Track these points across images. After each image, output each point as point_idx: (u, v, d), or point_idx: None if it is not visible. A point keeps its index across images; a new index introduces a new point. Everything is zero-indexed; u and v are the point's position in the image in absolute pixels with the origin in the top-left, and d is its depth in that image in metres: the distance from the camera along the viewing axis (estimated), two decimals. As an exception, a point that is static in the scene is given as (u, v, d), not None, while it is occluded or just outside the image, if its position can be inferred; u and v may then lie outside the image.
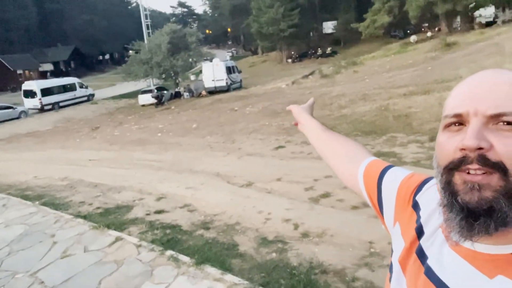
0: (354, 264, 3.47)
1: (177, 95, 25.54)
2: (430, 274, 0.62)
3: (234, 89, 26.04)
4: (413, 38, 30.44)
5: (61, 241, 4.59)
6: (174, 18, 77.72)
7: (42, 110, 25.76)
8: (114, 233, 4.65)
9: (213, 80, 25.38)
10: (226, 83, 25.49)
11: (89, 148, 12.00)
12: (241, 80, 28.44)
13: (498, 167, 0.53)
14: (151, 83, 27.99)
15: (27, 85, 26.72)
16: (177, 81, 27.68)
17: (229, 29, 72.98)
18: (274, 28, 40.72)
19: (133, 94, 27.67)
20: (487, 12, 29.91)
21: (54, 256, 4.20)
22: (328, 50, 42.44)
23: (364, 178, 0.88)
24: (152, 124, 15.44)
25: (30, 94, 25.98)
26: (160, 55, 25.16)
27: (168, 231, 4.69)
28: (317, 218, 4.61)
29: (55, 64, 55.18)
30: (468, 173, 0.55)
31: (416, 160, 6.25)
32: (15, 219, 5.57)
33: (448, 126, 0.60)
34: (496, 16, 29.04)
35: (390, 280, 0.72)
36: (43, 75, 47.63)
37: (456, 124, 0.59)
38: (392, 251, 0.76)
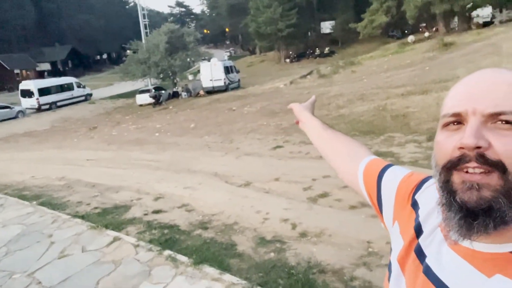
0: (352, 263, 3.47)
1: (175, 95, 25.51)
2: (428, 273, 0.63)
3: (232, 89, 26.03)
4: (410, 38, 30.51)
5: (58, 241, 4.58)
6: (172, 17, 77.63)
7: (39, 110, 25.69)
8: (112, 233, 4.64)
9: (211, 80, 25.37)
10: (224, 83, 25.48)
11: (87, 148, 11.97)
12: (239, 80, 28.43)
13: (497, 166, 0.53)
14: (149, 82, 27.95)
15: (24, 85, 26.65)
16: (175, 81, 27.65)
17: (227, 29, 72.95)
18: (272, 28, 40.72)
19: (131, 94, 27.62)
20: (484, 13, 30.00)
21: (51, 256, 4.19)
22: (326, 50, 42.46)
23: (364, 177, 0.89)
24: (150, 124, 15.42)
25: (27, 93, 25.91)
26: (158, 55, 25.13)
27: (166, 231, 4.68)
28: (315, 218, 4.62)
29: (53, 63, 55.03)
30: (467, 172, 0.55)
31: (414, 160, 6.26)
32: (12, 219, 5.55)
33: (446, 125, 0.60)
34: (493, 17, 29.16)
35: (389, 280, 0.72)
36: (40, 75, 47.53)
37: (455, 123, 0.59)
38: (391, 250, 0.76)
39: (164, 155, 9.58)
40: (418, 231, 0.69)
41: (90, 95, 30.84)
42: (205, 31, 73.32)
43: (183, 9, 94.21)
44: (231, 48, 72.14)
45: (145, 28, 29.94)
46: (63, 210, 5.82)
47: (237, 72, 28.75)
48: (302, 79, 23.81)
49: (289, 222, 4.55)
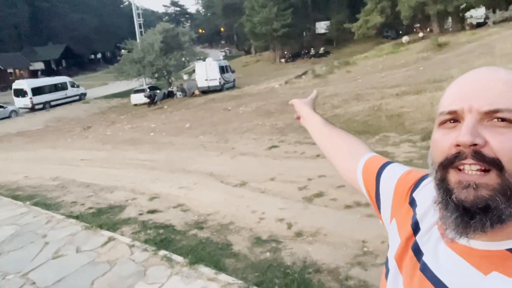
0: (347, 263, 3.48)
1: (170, 94, 25.44)
2: (425, 270, 0.63)
3: (227, 88, 26.00)
4: (405, 38, 30.65)
5: (53, 242, 4.55)
6: (166, 17, 77.42)
7: (33, 109, 25.50)
8: (107, 233, 4.62)
9: (206, 80, 25.32)
10: (219, 82, 25.44)
11: (81, 147, 11.90)
12: (234, 80, 28.40)
13: (494, 164, 0.53)
14: (144, 82, 27.85)
15: (17, 84, 26.45)
16: (170, 80, 27.58)
17: (222, 29, 72.83)
18: (267, 28, 40.73)
19: (126, 94, 27.50)
20: (478, 13, 30.26)
21: (45, 257, 4.16)
22: (321, 50, 42.56)
23: (363, 174, 0.89)
24: (145, 124, 15.36)
25: (20, 93, 25.71)
26: (152, 54, 25.05)
27: (161, 231, 4.66)
28: (310, 218, 4.63)
29: (46, 63, 54.60)
30: (463, 170, 0.55)
31: (409, 160, 6.29)
32: (6, 220, 5.50)
33: (443, 123, 0.60)
34: (487, 17, 29.41)
35: (386, 277, 0.72)
36: (34, 74, 47.15)
37: (451, 121, 0.59)
38: (388, 246, 0.76)
39: (159, 155, 9.55)
40: (416, 228, 0.69)
41: (84, 94, 30.66)
42: (200, 30, 73.17)
43: (178, 9, 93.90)
44: (226, 48, 72.04)
45: (140, 27, 29.83)
46: (57, 210, 5.78)
47: (232, 72, 28.72)
48: (297, 79, 23.85)
49: (285, 222, 4.56)
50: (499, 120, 0.55)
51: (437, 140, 0.60)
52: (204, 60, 27.86)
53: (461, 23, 29.47)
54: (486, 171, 0.54)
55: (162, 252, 3.93)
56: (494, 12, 27.83)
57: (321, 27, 47.50)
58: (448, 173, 0.57)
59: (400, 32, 39.01)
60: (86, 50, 64.49)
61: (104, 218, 5.26)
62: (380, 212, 0.83)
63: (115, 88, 32.50)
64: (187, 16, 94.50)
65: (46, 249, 4.38)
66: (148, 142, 11.36)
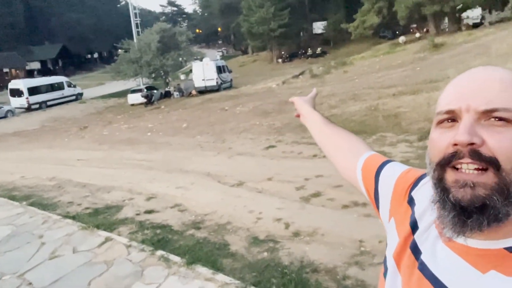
0: (344, 262, 3.49)
1: (167, 94, 25.39)
2: (423, 269, 0.63)
3: (225, 88, 25.98)
4: (401, 38, 30.75)
5: (49, 242, 4.53)
6: (163, 17, 77.17)
7: (29, 109, 25.39)
8: (104, 234, 4.60)
9: (203, 80, 25.30)
10: (217, 82, 25.42)
11: (78, 147, 11.85)
12: (231, 80, 28.39)
13: (491, 163, 0.53)
14: (141, 82, 27.77)
15: (13, 84, 26.32)
16: (167, 80, 27.51)
17: (219, 29, 72.77)
18: (265, 28, 40.76)
19: (123, 94, 27.43)
20: (474, 14, 30.38)
21: (42, 257, 4.14)
22: (318, 50, 42.63)
23: (363, 172, 0.89)
24: (142, 124, 15.33)
25: (16, 93, 25.59)
26: (149, 54, 24.98)
27: (158, 231, 4.66)
28: (308, 217, 4.63)
29: (43, 62, 54.35)
30: (461, 169, 0.55)
31: (405, 159, 6.31)
32: (2, 220, 5.47)
33: (441, 122, 0.61)
34: (483, 18, 29.52)
35: (384, 276, 0.73)
36: (30, 74, 46.92)
37: (449, 121, 0.59)
38: (387, 245, 0.76)
39: (156, 154, 9.53)
40: (414, 227, 0.69)
41: (81, 94, 30.56)
42: (197, 30, 73.02)
43: (175, 9, 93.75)
44: (223, 48, 71.99)
45: (137, 27, 29.73)
46: (53, 211, 5.76)
47: (230, 72, 28.71)
48: (294, 79, 23.87)
49: (282, 222, 4.56)
50: (497, 119, 0.55)
51: (435, 139, 0.60)
52: (201, 60, 27.81)
53: (457, 23, 29.61)
54: (483, 170, 0.54)
55: (159, 252, 3.93)
56: (490, 12, 27.95)
57: (318, 27, 47.58)
58: (446, 172, 0.58)
59: (397, 32, 39.11)
60: (82, 49, 64.23)
61: (101, 218, 5.25)
62: (379, 211, 0.83)
63: (112, 88, 32.40)
64: (184, 16, 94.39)
65: (43, 249, 4.36)
66: (145, 142, 11.34)
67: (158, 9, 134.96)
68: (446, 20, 30.91)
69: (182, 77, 35.38)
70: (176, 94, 25.14)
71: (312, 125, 1.13)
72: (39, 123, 19.98)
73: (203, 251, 3.95)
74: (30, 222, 5.28)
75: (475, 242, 0.58)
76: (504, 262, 0.56)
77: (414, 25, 37.94)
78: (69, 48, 58.17)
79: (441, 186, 0.58)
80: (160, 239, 4.39)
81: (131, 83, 26.52)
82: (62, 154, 10.92)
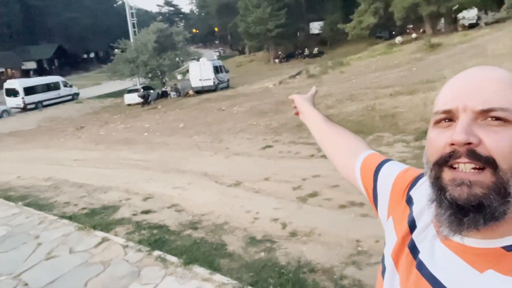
0: (342, 262, 3.49)
1: (164, 94, 25.34)
2: (421, 268, 0.63)
3: (222, 88, 25.96)
4: (398, 39, 30.85)
5: (45, 243, 4.51)
6: (160, 17, 77.07)
7: (25, 109, 25.25)
8: (100, 234, 4.59)
9: (200, 80, 25.27)
10: (214, 82, 25.40)
11: (74, 147, 11.81)
12: (228, 80, 28.37)
13: (489, 162, 0.54)
14: (137, 82, 27.71)
15: (9, 84, 26.16)
16: (163, 80, 27.47)
17: (216, 29, 72.67)
18: (261, 28, 40.76)
19: (119, 93, 27.34)
20: (470, 14, 30.53)
21: (38, 258, 4.12)
22: (315, 50, 42.69)
23: (361, 171, 0.89)
24: (139, 124, 15.29)
25: (12, 92, 25.44)
26: (146, 54, 24.93)
27: (155, 231, 4.65)
28: (305, 217, 4.63)
29: (39, 62, 54.04)
30: (458, 169, 0.56)
31: (402, 159, 6.33)
32: (-2, 221, 5.45)
33: (438, 122, 0.61)
34: (479, 18, 29.69)
35: (382, 274, 0.73)
36: (26, 74, 46.68)
37: (446, 120, 0.60)
38: (385, 244, 0.77)
39: (153, 155, 9.51)
40: (412, 226, 0.69)
41: (77, 94, 30.43)
42: (194, 30, 72.89)
43: (171, 8, 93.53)
44: (220, 48, 71.92)
45: (134, 27, 29.65)
46: (50, 211, 5.73)
47: (227, 72, 28.70)
48: (291, 79, 23.88)
49: (279, 222, 4.56)
50: (493, 119, 0.55)
51: (432, 139, 0.61)
52: (198, 60, 27.77)
53: (453, 24, 29.76)
54: (480, 169, 0.54)
55: (156, 253, 3.92)
56: (486, 13, 28.11)
57: (315, 27, 47.64)
58: (443, 171, 0.58)
59: (393, 33, 39.23)
60: (79, 49, 63.95)
61: (97, 219, 5.23)
62: (377, 210, 0.83)
63: (109, 88, 32.30)
64: (181, 16, 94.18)
65: (39, 250, 4.34)
66: (142, 142, 11.31)
67: (155, 9, 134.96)
68: (442, 20, 31.05)
69: (179, 77, 35.33)
70: (173, 94, 25.10)
71: (312, 123, 1.13)
72: (35, 123, 19.88)
73: (200, 251, 3.95)
74: (26, 223, 5.25)
75: (472, 241, 0.59)
76: (501, 261, 0.56)
77: (411, 26, 38.06)
78: (65, 47, 57.91)
79: (438, 185, 0.59)
80: (157, 239, 4.38)
81: (127, 83, 26.47)
82: (59, 154, 10.88)
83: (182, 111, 17.40)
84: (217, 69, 26.25)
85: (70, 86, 30.12)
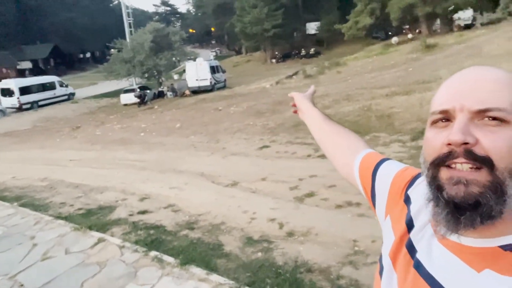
0: (338, 262, 3.50)
1: (160, 94, 25.28)
2: (419, 267, 0.63)
3: (218, 88, 25.94)
4: (394, 39, 30.93)
5: (41, 243, 4.49)
6: (157, 16, 76.94)
7: (20, 109, 25.12)
8: (97, 234, 4.57)
9: (196, 80, 25.24)
10: (210, 82, 25.37)
11: (70, 148, 11.76)
12: (225, 80, 28.36)
13: (485, 162, 0.54)
14: (134, 82, 27.62)
15: (4, 84, 26.00)
16: (160, 80, 27.39)
17: (213, 29, 72.61)
18: (258, 28, 40.79)
19: (115, 93, 27.26)
20: (465, 15, 30.68)
21: (34, 259, 4.10)
22: (312, 50, 42.75)
23: (360, 170, 0.90)
24: (135, 124, 15.24)
25: (7, 92, 25.30)
26: (142, 54, 24.85)
27: (152, 231, 4.63)
28: (302, 217, 4.64)
29: (34, 62, 53.75)
30: (455, 168, 0.56)
31: (399, 159, 6.23)
32: (-7, 221, 5.41)
33: (435, 122, 0.61)
34: (474, 19, 29.85)
35: (380, 274, 0.73)
36: (21, 74, 46.40)
37: (443, 120, 0.60)
38: (382, 242, 0.77)
39: (149, 155, 9.48)
40: (410, 226, 0.69)
41: (73, 94, 30.30)
42: (190, 30, 72.78)
43: (168, 8, 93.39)
44: (217, 48, 71.84)
45: (130, 26, 29.52)
46: (45, 212, 5.70)
47: (223, 72, 28.67)
48: (288, 80, 23.89)
49: (276, 222, 4.56)
50: (490, 119, 0.55)
51: (429, 139, 0.61)
52: (194, 60, 27.73)
53: (449, 24, 29.90)
54: (477, 168, 0.55)
55: (153, 253, 3.91)
56: (481, 14, 28.28)
57: (312, 27, 47.70)
58: (440, 171, 0.58)
59: (390, 33, 39.38)
60: (75, 49, 63.69)
61: (93, 219, 5.21)
62: (375, 208, 0.83)
63: (105, 88, 32.19)
64: (177, 15, 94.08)
65: (35, 250, 4.32)
66: (138, 142, 11.28)
67: (151, 9, 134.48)
68: (438, 21, 31.18)
69: (176, 77, 35.25)
70: (169, 94, 25.04)
71: (312, 122, 1.14)
72: (31, 123, 19.78)
73: (197, 252, 3.94)
74: (22, 223, 5.22)
75: (469, 240, 0.59)
76: (498, 261, 0.56)
77: (407, 26, 38.17)
78: (61, 47, 57.65)
79: (435, 184, 0.59)
80: (154, 239, 4.37)
81: (124, 83, 26.36)
82: (54, 155, 10.83)
83: (178, 111, 17.37)
84: (213, 69, 26.23)
85: (66, 86, 29.99)
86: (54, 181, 7.65)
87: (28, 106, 25.60)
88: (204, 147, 9.59)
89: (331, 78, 20.64)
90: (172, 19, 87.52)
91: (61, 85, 29.25)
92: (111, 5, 79.50)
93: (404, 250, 0.68)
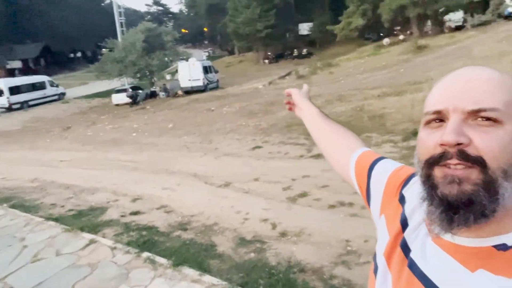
0: (331, 262, 3.51)
1: (153, 94, 25.15)
2: (413, 267, 0.63)
3: (211, 89, 25.89)
4: (386, 41, 31.12)
5: (31, 245, 4.43)
6: (149, 16, 76.57)
7: (10, 109, 24.82)
8: (88, 236, 4.53)
9: (189, 80, 25.15)
10: (203, 82, 25.31)
11: (61, 148, 11.64)
12: (217, 80, 28.30)
13: (478, 162, 0.54)
14: (126, 82, 27.43)
15: (-6, 83, 25.68)
16: (152, 80, 27.25)
17: (205, 29, 72.44)
18: (251, 29, 40.76)
19: (107, 93, 27.06)
20: (456, 17, 30.98)
21: (24, 260, 4.05)
22: (304, 51, 42.85)
23: (356, 168, 0.90)
24: (127, 124, 15.14)
25: (-3, 92, 24.99)
26: (134, 54, 24.69)
27: (144, 232, 4.60)
28: (294, 218, 4.65)
29: (24, 61, 53.14)
30: (449, 167, 0.56)
31: (390, 160, 6.38)
32: (-18, 223, 5.33)
33: (428, 122, 0.61)
34: (465, 21, 30.13)
35: (375, 272, 0.73)
36: (11, 73, 45.86)
37: (437, 121, 0.60)
38: (377, 241, 0.77)
39: (141, 155, 9.43)
40: (404, 225, 0.70)
41: (64, 94, 30.03)
42: (183, 30, 72.46)
43: (160, 8, 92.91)
44: (209, 48, 71.65)
45: (122, 26, 29.33)
46: (36, 213, 5.64)
47: (216, 72, 28.62)
48: (280, 80, 23.93)
49: (269, 222, 4.56)
50: (483, 119, 0.56)
51: (423, 139, 0.61)
52: (187, 60, 27.64)
53: (440, 26, 30.15)
54: (470, 167, 0.55)
55: (145, 254, 3.88)
56: (472, 15, 28.56)
57: (304, 28, 47.81)
58: (433, 170, 0.58)
59: (381, 34, 39.54)
60: (65, 48, 63.08)
61: (85, 220, 5.16)
62: (370, 207, 0.84)
63: (96, 88, 31.94)
64: (170, 15, 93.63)
65: (25, 252, 4.27)
66: (130, 143, 11.20)
67: (144, 9, 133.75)
68: (429, 22, 31.45)
69: (168, 77, 35.08)
70: (161, 94, 24.92)
71: (310, 120, 1.13)
72: (21, 124, 19.55)
73: (190, 252, 3.93)
74: (11, 225, 5.16)
75: (463, 239, 0.59)
76: (492, 261, 0.56)
77: (398, 28, 38.40)
78: (52, 47, 57.06)
79: (429, 183, 0.59)
80: (146, 240, 4.34)
81: (115, 83, 26.18)
82: (45, 155, 10.71)
83: (171, 111, 17.29)
84: (206, 69, 26.17)
85: (57, 86, 29.72)
86: (45, 182, 7.57)
87: (18, 106, 25.31)
88: (196, 147, 9.56)
89: (324, 78, 20.71)
90: (165, 19, 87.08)
91: (51, 85, 28.97)
92: (102, 4, 78.91)
93: (399, 249, 0.68)
